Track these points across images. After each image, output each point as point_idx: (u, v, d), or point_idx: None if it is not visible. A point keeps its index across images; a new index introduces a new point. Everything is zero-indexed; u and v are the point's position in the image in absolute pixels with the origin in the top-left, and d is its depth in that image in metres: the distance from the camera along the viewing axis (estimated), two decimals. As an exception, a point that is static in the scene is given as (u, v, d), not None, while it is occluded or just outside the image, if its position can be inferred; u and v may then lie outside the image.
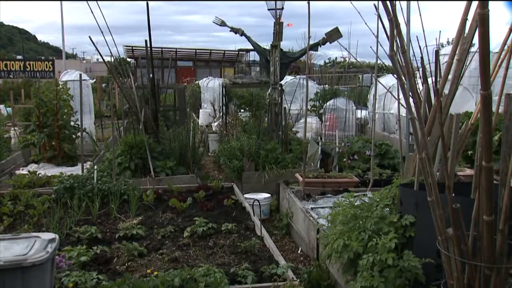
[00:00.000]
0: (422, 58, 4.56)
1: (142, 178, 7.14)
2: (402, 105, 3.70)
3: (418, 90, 4.16)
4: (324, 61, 31.46)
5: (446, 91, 3.70)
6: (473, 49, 3.36)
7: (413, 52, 4.79)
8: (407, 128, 5.85)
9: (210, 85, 18.53)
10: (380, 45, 4.99)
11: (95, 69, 49.89)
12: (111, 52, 8.36)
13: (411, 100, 2.73)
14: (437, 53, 5.29)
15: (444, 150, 2.50)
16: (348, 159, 7.61)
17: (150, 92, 8.39)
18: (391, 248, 2.96)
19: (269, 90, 8.76)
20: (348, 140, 8.22)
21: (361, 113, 13.01)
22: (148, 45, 8.25)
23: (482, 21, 1.91)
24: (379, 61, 5.53)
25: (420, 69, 4.51)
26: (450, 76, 3.47)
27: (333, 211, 3.86)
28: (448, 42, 15.54)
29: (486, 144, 2.10)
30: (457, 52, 3.34)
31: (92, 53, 73.01)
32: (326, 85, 13.64)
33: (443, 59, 6.97)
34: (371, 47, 5.19)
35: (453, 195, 2.32)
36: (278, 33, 8.52)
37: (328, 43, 8.58)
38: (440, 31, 5.78)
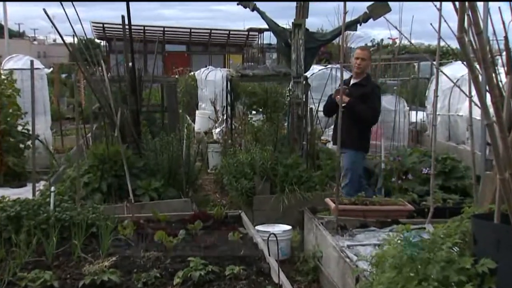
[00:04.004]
0: (506, 37, 4.48)
1: (118, 204, 7.15)
2: (476, 105, 3.65)
3: (500, 84, 4.11)
4: (366, 44, 31.50)
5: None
6: None
7: (493, 30, 4.71)
8: (483, 136, 5.80)
9: (210, 78, 18.64)
10: (445, 21, 4.93)
11: (51, 53, 50.30)
12: (74, 31, 8.37)
13: (488, 98, 2.69)
14: (526, 32, 5.23)
15: (537, 168, 2.46)
16: (398, 178, 7.58)
17: (129, 86, 8.44)
18: (465, 306, 2.91)
19: (290, 85, 8.78)
20: (398, 153, 8.17)
21: (417, 116, 12.99)
22: (126, 22, 8.32)
23: None
24: (442, 44, 5.50)
25: (503, 54, 4.44)
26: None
27: (380, 251, 3.82)
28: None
29: None
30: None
31: (47, 31, 73.45)
32: (368, 78, 13.63)
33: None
34: (431, 24, 5.16)
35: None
36: (302, 8, 8.54)
37: (371, 19, 8.57)
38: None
